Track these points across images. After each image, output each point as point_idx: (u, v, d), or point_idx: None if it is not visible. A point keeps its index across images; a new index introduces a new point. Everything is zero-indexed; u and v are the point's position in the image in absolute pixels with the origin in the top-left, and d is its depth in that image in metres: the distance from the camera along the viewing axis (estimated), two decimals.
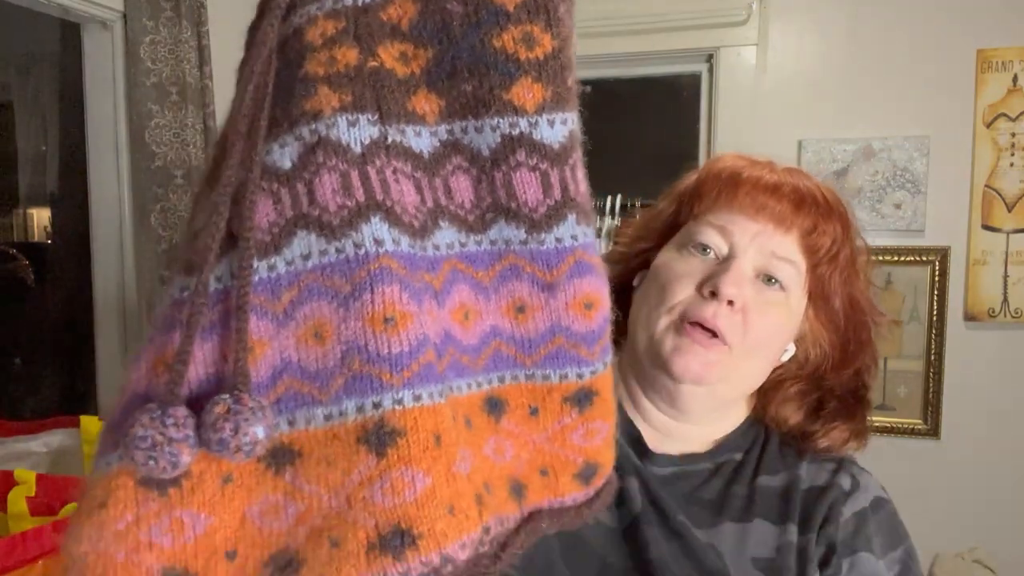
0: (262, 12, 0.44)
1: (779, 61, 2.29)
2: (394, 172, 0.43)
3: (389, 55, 0.44)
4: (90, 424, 1.24)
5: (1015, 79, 2.13)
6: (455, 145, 0.46)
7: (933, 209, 2.20)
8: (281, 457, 0.41)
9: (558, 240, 0.47)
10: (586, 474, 0.51)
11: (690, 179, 0.80)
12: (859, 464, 0.78)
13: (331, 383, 0.41)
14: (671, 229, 0.79)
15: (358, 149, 0.42)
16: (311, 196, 0.41)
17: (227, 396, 0.39)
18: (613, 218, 2.29)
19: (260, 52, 0.42)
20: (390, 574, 0.39)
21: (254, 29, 0.44)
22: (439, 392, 0.42)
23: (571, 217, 0.47)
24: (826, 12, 2.25)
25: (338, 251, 0.41)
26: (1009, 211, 2.16)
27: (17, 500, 1.00)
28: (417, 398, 0.41)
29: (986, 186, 2.17)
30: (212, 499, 0.41)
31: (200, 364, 0.41)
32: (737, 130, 2.28)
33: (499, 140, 0.45)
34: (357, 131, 0.42)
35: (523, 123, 0.45)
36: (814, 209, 0.73)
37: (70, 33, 1.86)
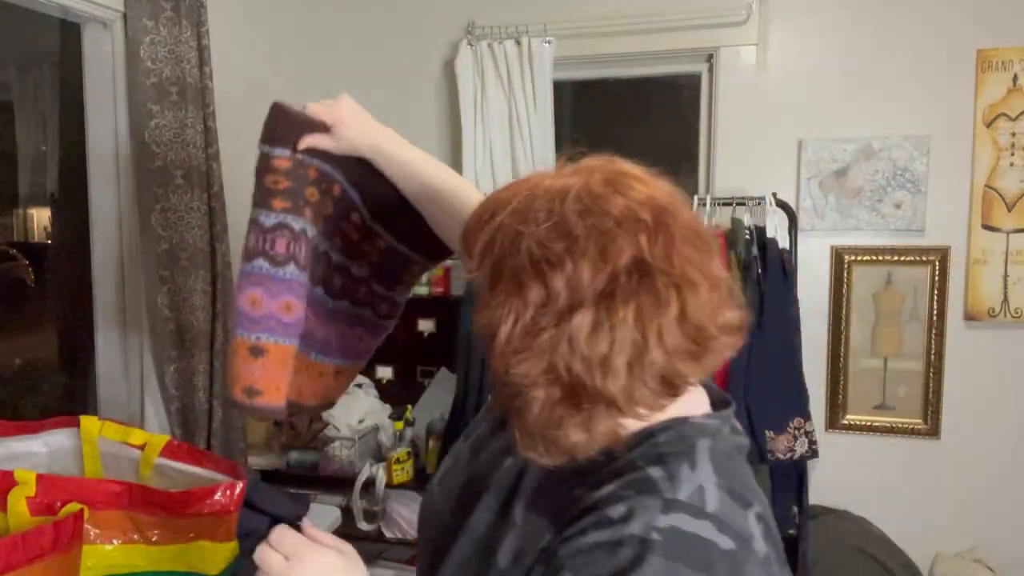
0: (263, 142, 0.88)
1: (779, 61, 2.29)
2: (302, 245, 0.90)
3: (312, 192, 0.91)
4: (90, 424, 1.24)
5: (1015, 79, 2.13)
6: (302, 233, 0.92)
7: (933, 209, 2.21)
8: (256, 352, 0.88)
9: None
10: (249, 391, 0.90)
11: None
12: None
13: (267, 324, 0.90)
14: None
15: (297, 228, 0.89)
16: (273, 246, 0.88)
17: None
18: None
19: (260, 172, 0.89)
20: (248, 405, 0.90)
21: (261, 155, 0.89)
22: (281, 338, 0.90)
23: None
24: (826, 12, 2.26)
25: (280, 269, 0.89)
26: (1009, 211, 2.16)
27: (17, 500, 0.99)
28: (263, 337, 0.88)
29: (986, 186, 2.17)
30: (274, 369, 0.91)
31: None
32: (737, 130, 2.28)
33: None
34: (295, 222, 0.89)
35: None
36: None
37: (70, 33, 1.86)
